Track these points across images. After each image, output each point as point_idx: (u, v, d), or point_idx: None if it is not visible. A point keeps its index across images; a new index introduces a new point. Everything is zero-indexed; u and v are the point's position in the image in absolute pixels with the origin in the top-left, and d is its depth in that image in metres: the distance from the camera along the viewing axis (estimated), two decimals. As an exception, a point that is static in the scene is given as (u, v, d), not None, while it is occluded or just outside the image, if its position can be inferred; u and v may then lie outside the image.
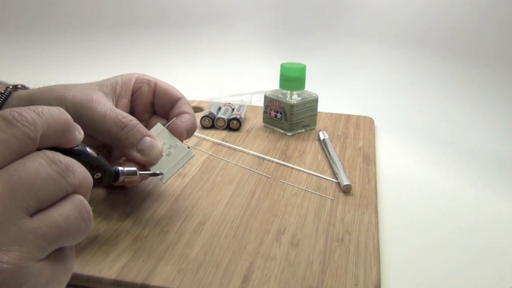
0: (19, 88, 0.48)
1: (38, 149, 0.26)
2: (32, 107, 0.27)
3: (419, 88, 0.95)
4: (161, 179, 0.46)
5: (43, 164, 0.26)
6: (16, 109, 0.26)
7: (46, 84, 0.48)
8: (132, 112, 0.51)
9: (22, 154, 0.25)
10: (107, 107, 0.45)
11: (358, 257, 0.43)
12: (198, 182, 0.56)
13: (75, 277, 0.39)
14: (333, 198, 0.53)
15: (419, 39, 1.04)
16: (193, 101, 0.81)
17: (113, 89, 0.49)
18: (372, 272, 0.42)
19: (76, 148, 0.31)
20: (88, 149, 0.33)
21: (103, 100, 0.46)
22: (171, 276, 0.40)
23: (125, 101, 0.50)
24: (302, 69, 0.69)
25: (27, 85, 0.50)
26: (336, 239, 0.46)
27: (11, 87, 0.48)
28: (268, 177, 0.58)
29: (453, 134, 0.77)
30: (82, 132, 0.30)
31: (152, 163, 0.46)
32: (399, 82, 0.98)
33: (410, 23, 1.06)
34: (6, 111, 0.26)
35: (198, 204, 0.51)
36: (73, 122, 0.29)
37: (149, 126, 0.49)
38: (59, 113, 0.28)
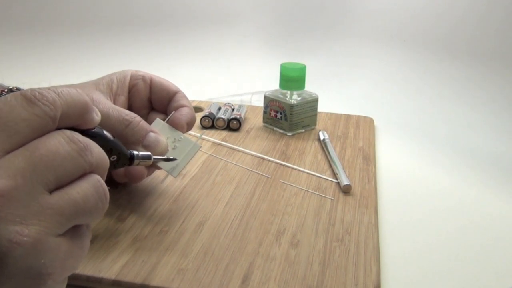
0: (13, 91, 0.48)
1: (57, 129, 0.27)
2: (52, 88, 0.27)
3: (418, 88, 0.95)
4: (172, 173, 0.46)
5: (62, 143, 0.26)
6: (36, 88, 0.27)
7: (40, 86, 0.48)
8: (129, 109, 0.51)
9: (42, 132, 0.26)
10: (109, 106, 0.45)
11: (358, 257, 0.43)
12: (198, 182, 0.56)
13: (74, 277, 0.39)
14: (333, 198, 0.53)
15: (418, 39, 1.04)
16: (193, 101, 0.81)
17: (109, 87, 0.49)
18: (372, 272, 0.42)
19: (93, 130, 0.31)
20: (105, 132, 0.33)
21: (103, 99, 0.46)
22: (171, 276, 0.40)
23: (123, 98, 0.50)
24: (302, 69, 0.69)
25: (21, 87, 0.49)
26: (336, 239, 0.46)
27: (6, 90, 0.48)
28: (268, 177, 0.58)
29: (452, 134, 0.77)
30: (99, 114, 0.31)
31: None
32: (398, 82, 0.98)
33: (410, 23, 1.06)
34: (28, 91, 0.26)
35: (198, 204, 0.51)
36: (91, 104, 0.30)
37: (148, 122, 0.49)
38: (78, 95, 0.29)
